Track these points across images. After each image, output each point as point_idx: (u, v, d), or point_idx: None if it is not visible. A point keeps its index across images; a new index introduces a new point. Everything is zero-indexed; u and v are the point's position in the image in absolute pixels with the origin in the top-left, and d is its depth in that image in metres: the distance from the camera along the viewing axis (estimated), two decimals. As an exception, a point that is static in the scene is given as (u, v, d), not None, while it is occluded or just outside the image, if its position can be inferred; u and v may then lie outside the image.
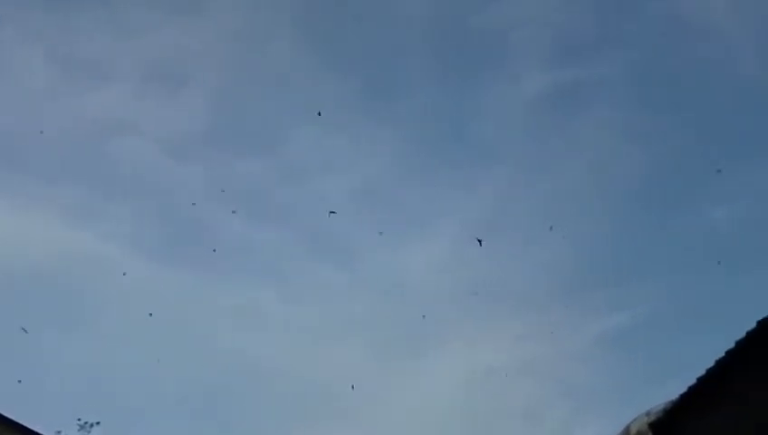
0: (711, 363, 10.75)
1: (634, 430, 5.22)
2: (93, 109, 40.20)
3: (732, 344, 10.35)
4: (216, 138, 42.71)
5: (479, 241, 24.50)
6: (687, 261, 40.58)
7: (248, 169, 42.11)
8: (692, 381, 11.20)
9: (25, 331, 21.37)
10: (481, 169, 45.04)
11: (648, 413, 5.28)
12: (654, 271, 40.67)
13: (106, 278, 40.36)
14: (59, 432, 23.17)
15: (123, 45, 40.76)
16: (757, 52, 38.50)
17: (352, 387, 26.50)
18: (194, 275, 41.89)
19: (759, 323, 9.73)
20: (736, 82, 39.13)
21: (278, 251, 42.59)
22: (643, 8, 39.42)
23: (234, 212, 26.83)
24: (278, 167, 43.32)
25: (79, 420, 29.85)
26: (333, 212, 27.79)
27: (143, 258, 41.89)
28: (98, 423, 29.81)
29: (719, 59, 39.11)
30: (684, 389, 11.13)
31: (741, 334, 10.35)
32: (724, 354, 10.48)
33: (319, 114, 33.46)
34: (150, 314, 28.82)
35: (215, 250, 34.28)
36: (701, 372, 11.18)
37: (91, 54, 40.26)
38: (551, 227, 26.73)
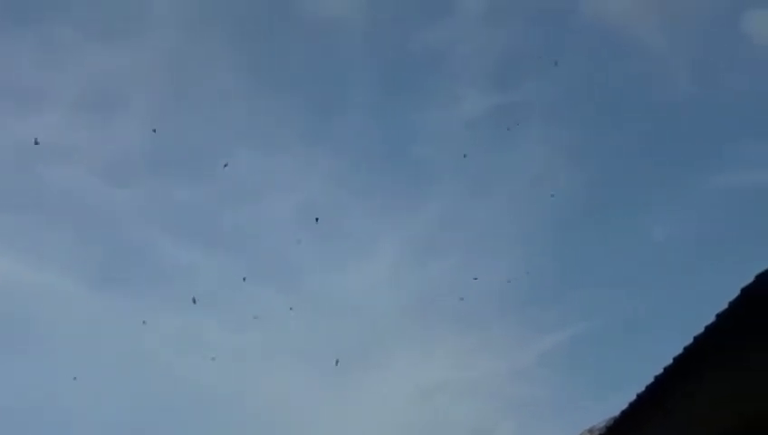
0: (651, 379, 10.97)
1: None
2: (26, 136, 39.74)
3: (670, 360, 10.57)
4: (155, 162, 42.49)
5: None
6: (628, 276, 41.26)
7: (187, 193, 41.95)
8: (633, 396, 11.42)
9: None
10: (423, 189, 45.39)
11: (590, 430, 5.40)
12: (596, 286, 41.28)
13: (44, 306, 39.82)
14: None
15: (55, 71, 40.42)
16: (690, 68, 39.41)
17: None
18: (134, 302, 41.50)
19: (695, 338, 9.95)
20: (671, 99, 40.02)
21: (219, 275, 42.39)
22: (579, 27, 40.20)
23: (170, 239, 26.76)
24: (217, 190, 43.16)
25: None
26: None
27: (81, 285, 41.42)
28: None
29: (653, 75, 39.98)
30: (625, 404, 11.35)
31: (679, 349, 10.55)
32: (662, 370, 10.70)
33: (256, 137, 33.44)
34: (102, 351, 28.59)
35: (153, 275, 34.10)
36: (641, 387, 11.41)
37: (21, 81, 39.88)
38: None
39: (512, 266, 42.48)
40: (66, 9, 42.92)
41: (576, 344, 43.16)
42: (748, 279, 9.11)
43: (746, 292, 9.10)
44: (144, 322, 29.89)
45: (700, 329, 10.07)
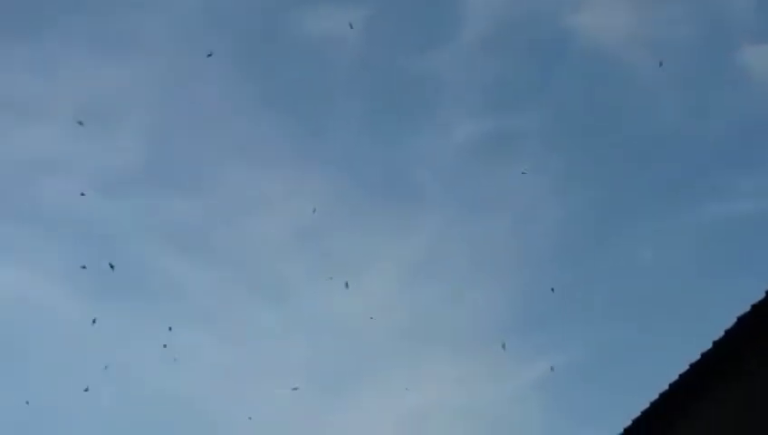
0: (638, 413, 11.27)
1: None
2: (22, 149, 39.97)
3: (656, 395, 10.86)
4: (149, 176, 42.66)
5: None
6: (619, 302, 41.41)
7: (181, 208, 42.10)
8: (628, 421, 11.73)
9: None
10: (414, 213, 45.58)
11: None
12: (590, 310, 41.41)
13: (38, 319, 39.94)
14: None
15: (52, 84, 40.65)
16: (682, 98, 39.85)
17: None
18: (128, 316, 41.61)
19: (681, 375, 10.23)
20: (659, 130, 40.42)
21: (212, 292, 42.53)
22: (572, 56, 40.58)
23: (164, 252, 26.83)
24: (211, 205, 43.34)
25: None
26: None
27: (76, 298, 41.52)
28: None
29: (645, 104, 40.37)
30: (628, 422, 11.66)
31: (674, 377, 10.90)
32: (648, 405, 10.99)
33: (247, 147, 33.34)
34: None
35: (148, 288, 34.09)
36: (628, 419, 11.71)
37: (18, 94, 40.11)
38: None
39: (506, 290, 42.67)
40: (64, 23, 43.12)
41: (567, 372, 43.35)
42: (741, 307, 9.56)
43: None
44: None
45: (686, 363, 10.42)
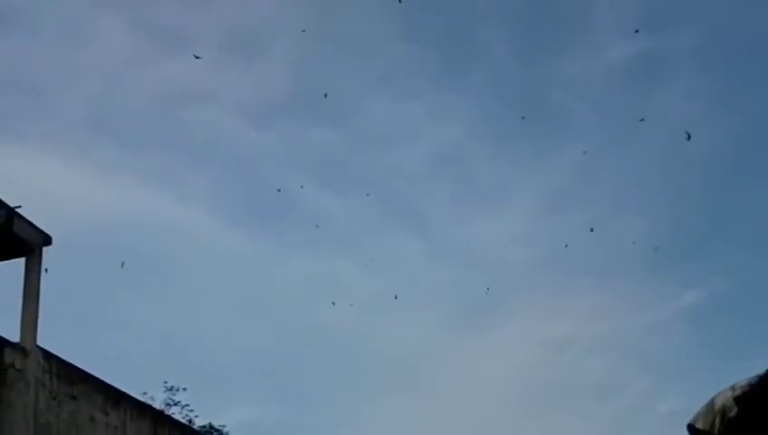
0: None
1: (719, 403, 5.40)
2: (171, 78, 40.92)
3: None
4: (293, 106, 43.14)
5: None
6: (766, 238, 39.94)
7: (325, 138, 42.50)
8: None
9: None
10: (559, 140, 44.79)
11: (732, 387, 5.47)
12: (740, 245, 40.07)
13: (187, 243, 41.20)
14: (145, 393, 23.96)
15: (202, 14, 41.31)
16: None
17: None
18: (270, 243, 42.54)
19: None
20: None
21: (353, 220, 43.00)
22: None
23: (302, 187, 27.32)
24: (353, 135, 43.61)
25: (165, 383, 30.69)
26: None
27: (222, 224, 42.62)
28: (185, 389, 30.60)
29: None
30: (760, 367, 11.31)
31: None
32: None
33: (390, 78, 33.53)
34: (224, 284, 29.40)
35: (289, 216, 34.56)
36: None
37: (170, 23, 40.93)
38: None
39: (651, 220, 41.73)
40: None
41: (714, 303, 42.33)
42: None
43: None
44: (277, 263, 30.56)
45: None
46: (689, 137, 22.34)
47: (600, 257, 41.59)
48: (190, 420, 29.54)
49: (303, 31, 35.02)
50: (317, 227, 38.67)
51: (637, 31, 37.04)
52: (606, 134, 42.11)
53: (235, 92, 42.57)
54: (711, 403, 5.54)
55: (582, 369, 43.53)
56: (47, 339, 14.18)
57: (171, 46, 44.35)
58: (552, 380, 42.44)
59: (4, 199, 13.86)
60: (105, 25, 40.40)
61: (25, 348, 13.66)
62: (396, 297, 29.20)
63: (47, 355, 14.11)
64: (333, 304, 27.02)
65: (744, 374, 5.80)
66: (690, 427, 5.63)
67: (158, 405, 25.96)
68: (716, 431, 5.42)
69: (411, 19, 40.39)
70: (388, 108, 42.71)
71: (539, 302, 43.62)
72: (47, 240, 14.47)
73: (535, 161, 44.27)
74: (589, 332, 44.80)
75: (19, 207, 14.12)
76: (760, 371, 5.51)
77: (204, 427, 30.58)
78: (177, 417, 24.79)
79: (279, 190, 33.71)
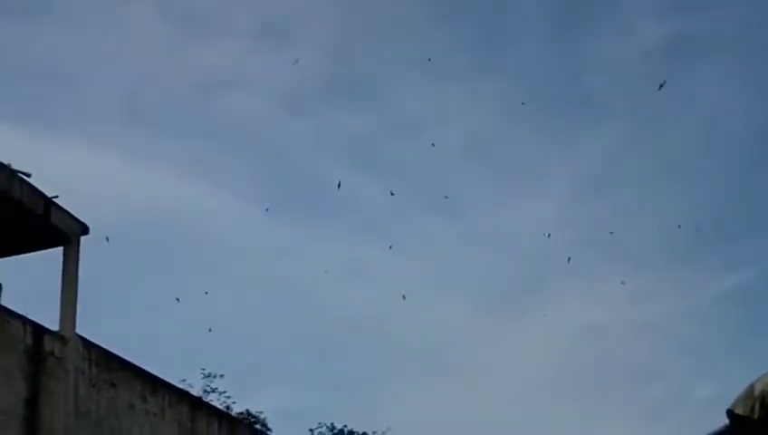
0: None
1: (759, 388, 5.37)
2: (204, 65, 41.06)
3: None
4: (327, 92, 43.12)
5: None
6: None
7: (358, 123, 42.48)
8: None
9: None
10: (594, 123, 44.48)
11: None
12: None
13: (222, 230, 41.39)
14: (183, 380, 24.14)
15: (234, 0, 41.36)
16: None
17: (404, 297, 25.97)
18: (304, 228, 42.61)
19: None
20: None
21: (387, 206, 42.97)
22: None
23: (335, 174, 27.18)
24: (387, 118, 43.53)
25: (203, 370, 30.89)
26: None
27: (257, 211, 42.75)
28: (222, 376, 30.78)
29: None
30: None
31: None
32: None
33: (429, 60, 33.39)
34: (257, 271, 29.35)
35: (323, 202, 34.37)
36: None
37: (202, 10, 41.02)
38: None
39: (688, 204, 41.37)
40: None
41: (755, 286, 41.91)
42: None
43: None
44: (310, 248, 30.51)
45: None
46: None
47: (639, 241, 41.31)
48: (228, 407, 29.74)
49: (338, 15, 34.97)
50: (351, 212, 38.66)
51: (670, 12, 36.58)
52: (643, 116, 41.72)
53: (270, 79, 42.66)
54: (751, 389, 5.51)
55: (621, 354, 43.37)
56: (86, 327, 14.33)
57: (204, 33, 44.52)
58: (591, 365, 42.32)
59: (41, 189, 13.99)
60: (136, 13, 40.59)
61: (64, 336, 13.80)
62: (429, 282, 28.91)
63: (86, 343, 14.25)
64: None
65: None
66: (730, 412, 5.59)
67: (195, 392, 26.15)
68: (756, 417, 5.38)
69: (446, 2, 40.19)
70: (423, 92, 42.55)
71: (577, 287, 43.42)
72: (84, 229, 14.59)
73: (570, 145, 44.00)
74: (628, 316, 44.54)
75: (56, 196, 14.25)
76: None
77: (241, 413, 30.78)
78: (214, 404, 24.96)
79: (309, 176, 33.56)
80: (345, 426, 35.77)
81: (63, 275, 14.29)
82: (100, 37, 42.64)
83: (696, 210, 40.75)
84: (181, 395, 17.16)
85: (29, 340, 13.08)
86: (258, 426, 28.59)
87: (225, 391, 31.48)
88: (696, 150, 41.34)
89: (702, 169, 41.90)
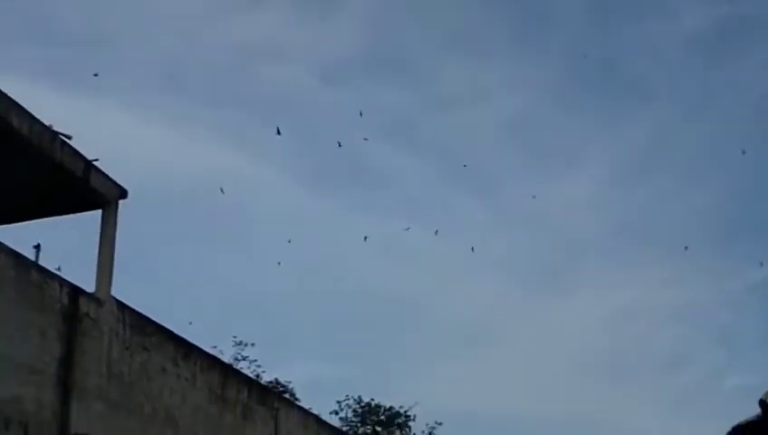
0: None
1: (792, 379, 5.34)
2: (243, 35, 41.12)
3: None
4: (366, 65, 43.07)
5: None
6: None
7: (396, 98, 42.43)
8: None
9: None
10: (634, 108, 44.12)
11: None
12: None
13: (258, 200, 41.56)
14: (214, 347, 24.37)
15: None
16: None
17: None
18: (338, 202, 42.71)
19: None
20: None
21: (423, 182, 42.96)
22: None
23: (365, 139, 27.10)
24: (425, 96, 43.44)
25: (235, 337, 31.13)
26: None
27: (292, 181, 42.89)
28: (253, 344, 31.01)
29: None
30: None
31: None
32: None
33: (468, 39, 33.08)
34: (289, 241, 29.63)
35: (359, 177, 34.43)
36: None
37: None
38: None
39: (726, 191, 40.99)
40: None
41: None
42: None
43: None
44: (346, 224, 30.65)
45: None
46: None
47: (674, 227, 41.02)
48: (258, 375, 30.00)
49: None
50: (386, 187, 38.68)
51: None
52: (686, 102, 41.35)
53: (309, 50, 42.66)
54: (785, 380, 5.46)
55: (652, 339, 43.16)
56: (121, 291, 14.47)
57: (247, 1, 44.51)
58: (621, 348, 42.17)
59: (81, 152, 14.09)
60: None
61: (100, 298, 13.94)
62: (467, 257, 28.89)
63: (121, 306, 14.38)
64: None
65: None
66: (762, 402, 5.56)
67: (226, 359, 26.39)
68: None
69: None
70: (462, 70, 42.41)
71: (610, 269, 43.23)
72: (123, 193, 14.70)
73: (611, 128, 43.69)
74: (660, 302, 44.30)
75: (96, 160, 14.35)
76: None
77: (270, 382, 31.00)
78: (245, 371, 25.16)
79: (346, 149, 33.55)
80: (372, 399, 35.98)
81: (101, 237, 14.42)
82: (141, 3, 42.84)
83: (734, 198, 40.39)
84: (213, 361, 17.30)
85: (65, 300, 13.22)
86: (287, 395, 28.83)
87: (255, 360, 31.69)
88: (740, 138, 40.89)
89: (742, 158, 41.45)
